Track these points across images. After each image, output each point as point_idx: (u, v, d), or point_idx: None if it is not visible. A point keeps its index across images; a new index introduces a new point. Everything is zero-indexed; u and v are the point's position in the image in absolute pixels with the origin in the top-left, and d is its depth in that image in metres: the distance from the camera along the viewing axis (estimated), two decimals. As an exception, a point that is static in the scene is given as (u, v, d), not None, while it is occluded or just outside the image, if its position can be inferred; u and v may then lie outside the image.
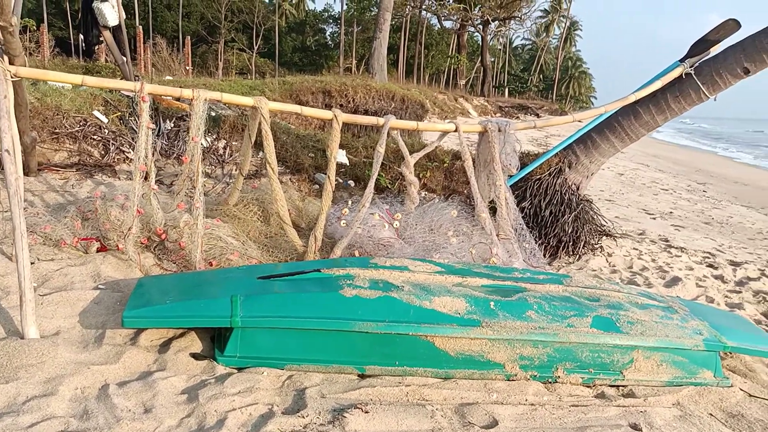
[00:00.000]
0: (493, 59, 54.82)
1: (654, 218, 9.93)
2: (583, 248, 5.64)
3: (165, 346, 3.08)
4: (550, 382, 3.18)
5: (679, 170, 21.51)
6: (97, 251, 3.95)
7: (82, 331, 3.07)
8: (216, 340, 3.12)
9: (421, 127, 4.63)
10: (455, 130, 4.57)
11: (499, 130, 4.63)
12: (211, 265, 3.93)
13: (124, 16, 6.45)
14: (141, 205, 3.94)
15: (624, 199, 11.92)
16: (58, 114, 5.43)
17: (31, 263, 3.62)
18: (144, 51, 24.09)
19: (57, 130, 5.35)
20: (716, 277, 5.83)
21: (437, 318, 3.08)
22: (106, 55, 19.88)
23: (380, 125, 4.32)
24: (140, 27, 27.30)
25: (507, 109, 34.11)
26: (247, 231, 4.45)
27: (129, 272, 3.80)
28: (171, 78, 14.50)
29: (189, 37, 30.95)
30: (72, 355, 2.83)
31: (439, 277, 3.44)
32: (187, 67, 25.26)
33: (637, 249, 6.35)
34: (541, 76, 68.64)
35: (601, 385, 3.24)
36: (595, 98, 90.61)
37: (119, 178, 5.33)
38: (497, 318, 3.13)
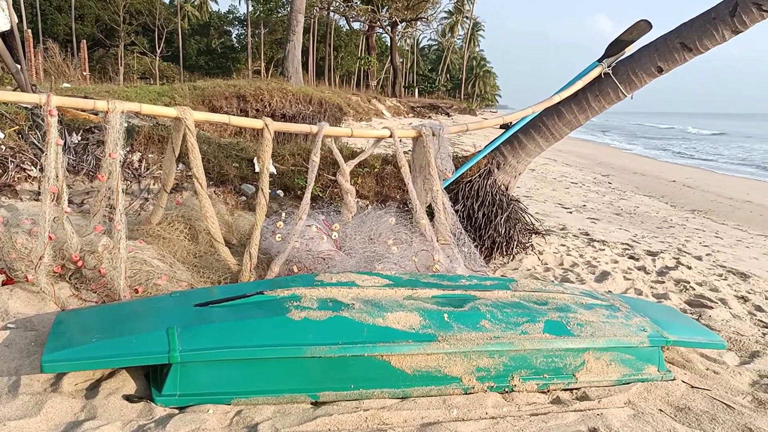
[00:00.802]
0: (401, 60, 55.44)
1: (570, 212, 10.29)
2: (515, 248, 5.69)
3: (93, 389, 2.75)
4: (507, 392, 3.13)
5: (583, 163, 22.59)
6: (3, 284, 3.51)
7: (-7, 381, 2.69)
8: (152, 378, 2.83)
9: (356, 134, 4.48)
10: (390, 136, 4.46)
11: (434, 135, 4.56)
12: (137, 292, 3.59)
13: (17, 20, 5.85)
14: (52, 229, 3.54)
15: (540, 194, 12.30)
16: (-56, 130, 4.84)
17: (-76, 304, 3.18)
18: (35, 56, 22.47)
19: (-57, 149, 4.77)
20: (639, 269, 6.06)
21: (392, 335, 2.94)
22: (5, 62, 18.29)
23: (314, 133, 4.12)
24: (29, 30, 25.43)
25: (419, 109, 34.57)
26: (174, 251, 4.12)
27: (42, 306, 3.40)
28: (69, 85, 13.53)
29: (84, 40, 29.21)
30: (-18, 411, 2.47)
31: (388, 290, 3.30)
32: (84, 73, 23.84)
33: (564, 245, 6.51)
34: (448, 75, 70.31)
35: (555, 390, 3.23)
36: (500, 96, 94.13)
37: (21, 200, 4.81)
38: (452, 330, 3.04)
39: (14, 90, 6.31)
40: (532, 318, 3.25)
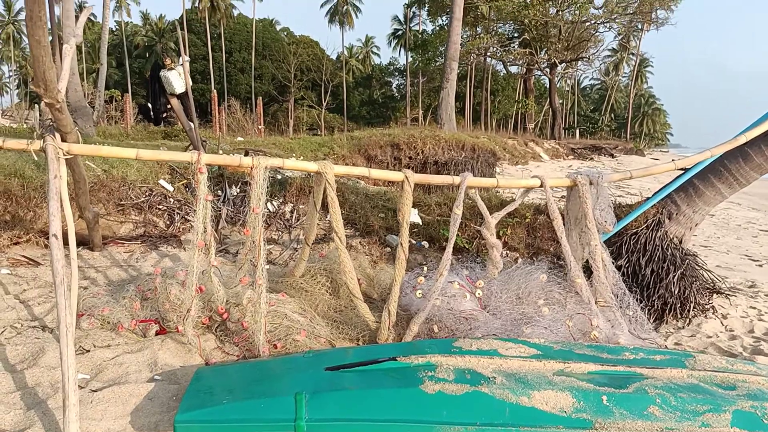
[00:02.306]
0: (561, 101, 53.84)
1: (761, 265, 8.92)
2: (692, 310, 4.93)
3: (223, 451, 2.69)
4: (683, 496, 2.57)
5: (774, 207, 19.86)
6: (156, 334, 3.67)
7: (133, 435, 2.73)
8: (280, 445, 2.71)
9: (502, 185, 4.19)
10: (541, 186, 4.10)
11: (591, 183, 4.11)
12: (276, 347, 3.56)
13: (191, 83, 6.44)
14: (202, 281, 3.66)
15: (721, 243, 10.90)
16: (123, 185, 5.34)
17: (87, 351, 3.38)
18: (219, 113, 25.08)
19: (122, 202, 5.25)
20: None
21: (539, 419, 2.55)
22: (180, 121, 20.63)
23: (456, 185, 3.90)
24: (215, 91, 28.49)
25: (579, 150, 33.04)
26: (315, 305, 4.08)
27: (188, 358, 3.48)
28: (242, 139, 14.74)
29: (261, 97, 32.11)
30: (119, 468, 2.49)
31: (536, 363, 2.91)
32: (260, 127, 26.02)
33: (754, 308, 5.54)
34: (612, 115, 66.94)
35: (747, 498, 2.59)
36: (671, 134, 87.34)
37: (184, 249, 5.13)
38: (613, 417, 2.57)
39: (188, 146, 6.89)
40: (716, 407, 2.67)
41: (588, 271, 4.16)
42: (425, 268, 4.40)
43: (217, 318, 3.78)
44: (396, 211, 5.93)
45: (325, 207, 4.22)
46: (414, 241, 5.41)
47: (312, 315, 3.93)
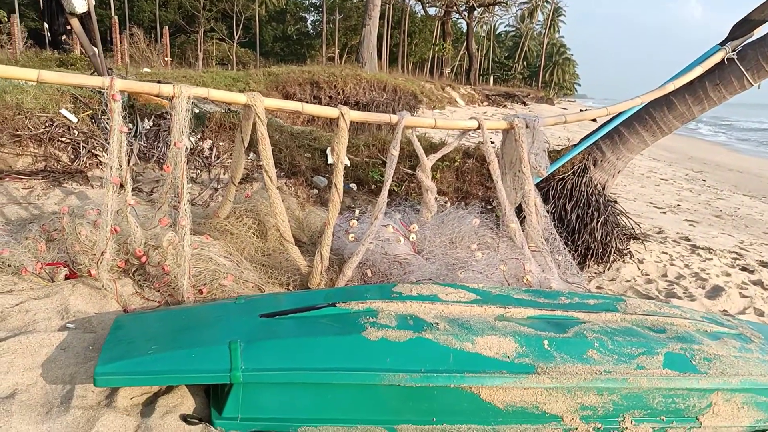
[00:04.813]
0: (477, 46, 54.09)
1: (664, 212, 9.49)
2: (612, 255, 5.11)
3: (149, 405, 2.48)
4: (615, 434, 2.65)
5: (672, 158, 21.14)
6: (66, 278, 3.32)
7: (46, 389, 2.45)
8: (212, 396, 2.54)
9: (440, 125, 4.04)
10: (478, 128, 3.99)
11: (527, 127, 4.06)
12: (201, 293, 3.32)
13: (94, 3, 5.76)
14: (117, 222, 3.32)
15: (628, 192, 11.49)
16: (19, 113, 4.75)
17: (-16, 298, 3.01)
18: (120, 42, 23.18)
19: (19, 132, 4.68)
20: (755, 283, 5.34)
21: (482, 364, 2.51)
22: (82, 45, 18.96)
23: (394, 123, 3.72)
24: (116, 17, 26.27)
25: (494, 97, 33.52)
26: (242, 248, 3.84)
27: (104, 304, 3.18)
28: (149, 70, 13.72)
29: (167, 27, 29.97)
30: (30, 427, 2.23)
31: (476, 308, 2.87)
32: (166, 58, 24.39)
33: (666, 253, 5.83)
34: (525, 63, 68.24)
35: (673, 435, 2.72)
36: (579, 85, 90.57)
37: (92, 186, 4.68)
38: (554, 361, 2.58)
39: (92, 73, 6.25)
40: (650, 349, 2.75)
41: (519, 215, 4.16)
42: (357, 211, 4.24)
43: (135, 261, 3.48)
44: (322, 152, 5.70)
45: (250, 144, 3.93)
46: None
47: (239, 259, 3.70)
